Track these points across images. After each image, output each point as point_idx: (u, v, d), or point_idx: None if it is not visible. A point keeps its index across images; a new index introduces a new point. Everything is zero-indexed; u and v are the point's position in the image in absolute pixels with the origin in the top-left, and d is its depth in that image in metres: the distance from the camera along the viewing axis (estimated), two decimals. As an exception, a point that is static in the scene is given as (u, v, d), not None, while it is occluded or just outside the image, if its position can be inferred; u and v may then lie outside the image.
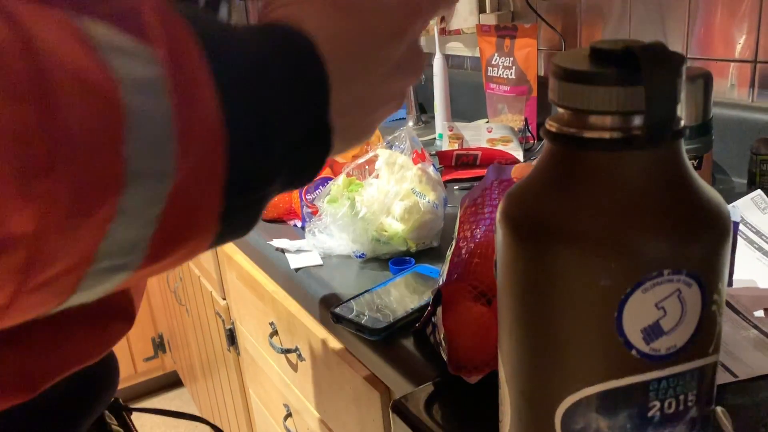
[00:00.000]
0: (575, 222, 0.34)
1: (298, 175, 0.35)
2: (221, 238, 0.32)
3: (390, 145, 0.96)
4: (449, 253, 0.63)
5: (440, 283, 0.61)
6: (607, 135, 0.33)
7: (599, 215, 0.34)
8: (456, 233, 0.62)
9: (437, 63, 1.43)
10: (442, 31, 1.53)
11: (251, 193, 0.31)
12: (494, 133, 1.28)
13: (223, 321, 1.40)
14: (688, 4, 1.10)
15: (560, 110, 0.35)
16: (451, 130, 1.33)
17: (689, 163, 0.35)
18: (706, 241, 0.34)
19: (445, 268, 0.62)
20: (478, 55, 1.54)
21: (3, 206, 0.22)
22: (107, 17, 0.26)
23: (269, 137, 0.31)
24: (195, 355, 1.92)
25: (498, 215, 0.39)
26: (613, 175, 0.34)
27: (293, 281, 0.90)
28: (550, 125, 0.36)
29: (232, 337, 1.38)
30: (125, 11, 0.27)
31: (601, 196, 0.34)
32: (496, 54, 1.40)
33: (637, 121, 0.33)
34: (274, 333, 1.06)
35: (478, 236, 0.64)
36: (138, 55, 0.26)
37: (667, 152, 0.34)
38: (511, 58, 1.35)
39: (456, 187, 1.16)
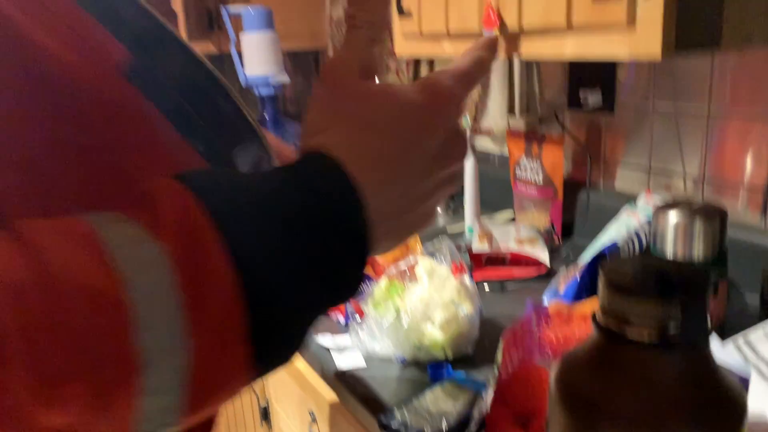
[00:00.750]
0: (617, 404, 0.42)
1: (340, 295, 0.36)
2: (261, 374, 0.33)
3: (431, 254, 1.05)
4: (492, 379, 0.71)
5: (484, 408, 0.69)
6: (645, 338, 0.42)
7: (637, 401, 0.42)
8: (498, 361, 0.70)
9: (469, 164, 1.53)
10: (474, 130, 1.64)
11: (284, 334, 0.33)
12: (522, 233, 1.37)
13: (257, 397, 1.46)
14: (705, 127, 1.20)
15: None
16: (481, 227, 1.41)
17: (715, 359, 0.43)
18: (728, 427, 0.42)
19: (489, 393, 0.69)
20: (506, 153, 1.64)
21: (30, 417, 0.26)
22: (123, 208, 0.31)
23: (298, 281, 0.32)
24: (224, 428, 1.98)
25: (552, 378, 0.47)
26: (650, 369, 0.42)
27: (337, 378, 0.98)
28: (599, 317, 0.44)
29: (266, 414, 1.44)
30: (141, 199, 0.31)
31: (640, 385, 0.42)
32: (525, 157, 1.50)
33: (673, 328, 0.41)
34: (313, 422, 1.13)
35: (519, 365, 0.72)
36: (148, 250, 0.29)
37: (698, 353, 0.42)
38: (539, 163, 1.45)
39: (487, 287, 1.24)
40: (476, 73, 0.44)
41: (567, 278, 0.99)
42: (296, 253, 0.32)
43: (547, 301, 0.99)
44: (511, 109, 1.62)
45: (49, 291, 0.26)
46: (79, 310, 0.27)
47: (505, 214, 1.65)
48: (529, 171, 1.48)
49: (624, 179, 1.40)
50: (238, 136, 0.44)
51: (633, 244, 1.02)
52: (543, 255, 1.32)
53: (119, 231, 0.29)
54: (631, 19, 0.86)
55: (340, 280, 0.35)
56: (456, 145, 0.41)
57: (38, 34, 0.33)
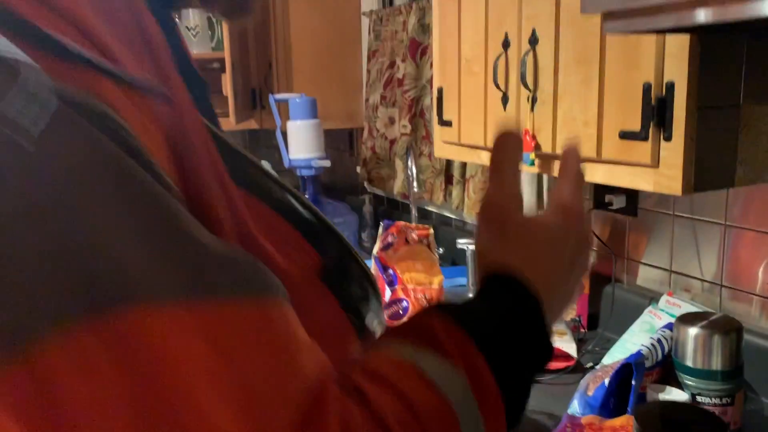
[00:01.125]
0: None
1: (537, 377, 0.48)
2: None
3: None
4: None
5: None
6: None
7: None
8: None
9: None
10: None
11: (520, 413, 0.46)
12: (551, 325, 1.47)
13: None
14: (722, 235, 1.31)
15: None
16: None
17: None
18: None
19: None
20: (534, 242, 1.76)
21: None
22: (418, 341, 0.42)
23: (524, 374, 0.45)
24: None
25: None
26: None
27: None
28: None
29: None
30: (421, 332, 0.42)
31: None
32: (553, 251, 1.61)
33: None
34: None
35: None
36: (451, 372, 0.40)
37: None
38: (567, 259, 1.56)
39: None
40: (581, 183, 0.57)
41: (595, 382, 1.09)
42: (522, 356, 0.45)
43: (576, 403, 1.08)
44: (540, 207, 1.74)
45: (423, 416, 0.37)
46: (438, 423, 0.38)
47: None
48: (557, 265, 1.59)
49: (646, 277, 1.50)
50: (378, 304, 0.56)
51: (656, 352, 1.12)
52: (571, 348, 1.42)
53: (429, 361, 0.40)
54: (655, 161, 0.99)
55: (544, 366, 0.48)
56: (585, 244, 0.56)
57: (262, 239, 0.43)
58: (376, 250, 1.54)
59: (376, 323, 0.52)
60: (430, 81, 2.12)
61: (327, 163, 2.15)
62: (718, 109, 0.97)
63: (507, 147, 0.55)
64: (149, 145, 0.33)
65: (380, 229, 1.63)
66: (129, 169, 0.32)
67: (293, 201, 0.50)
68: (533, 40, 1.18)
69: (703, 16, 0.71)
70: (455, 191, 1.99)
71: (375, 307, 0.52)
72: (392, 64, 2.34)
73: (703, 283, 1.36)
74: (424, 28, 2.12)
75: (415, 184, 2.05)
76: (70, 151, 0.30)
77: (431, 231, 1.63)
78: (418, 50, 2.16)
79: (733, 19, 0.69)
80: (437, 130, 1.53)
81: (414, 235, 1.55)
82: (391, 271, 1.49)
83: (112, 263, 0.30)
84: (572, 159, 0.58)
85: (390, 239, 1.56)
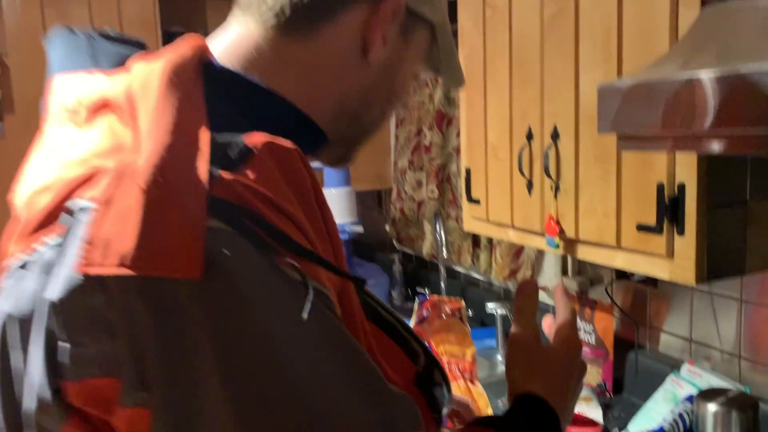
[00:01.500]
0: None
1: None
2: None
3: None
4: None
5: None
6: None
7: None
8: None
9: (528, 321, 1.73)
10: (531, 287, 1.85)
11: None
12: (578, 391, 1.55)
13: None
14: (739, 309, 1.39)
15: None
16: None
17: None
18: None
19: None
20: (560, 307, 1.84)
21: None
22: None
23: None
24: None
25: None
26: None
27: None
28: None
29: None
30: None
31: None
32: (578, 318, 1.70)
33: None
34: None
35: None
36: None
37: None
38: (592, 326, 1.65)
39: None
40: (575, 320, 0.75)
41: (622, 455, 1.17)
42: None
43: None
44: (564, 271, 1.83)
45: None
46: None
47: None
48: (582, 332, 1.68)
49: (668, 344, 1.58)
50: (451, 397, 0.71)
51: (677, 427, 1.20)
52: (597, 414, 1.50)
53: None
54: (670, 253, 1.08)
55: None
56: (584, 370, 0.73)
57: (379, 357, 0.57)
58: (412, 324, 1.64)
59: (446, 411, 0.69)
60: (456, 149, 2.24)
61: (360, 229, 2.27)
62: (727, 206, 1.07)
63: (526, 293, 0.75)
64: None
65: (415, 305, 1.73)
66: (345, 335, 0.48)
67: (389, 317, 0.63)
68: (555, 135, 1.29)
69: (715, 147, 0.81)
70: (483, 255, 2.09)
71: (448, 402, 0.67)
72: (419, 132, 2.47)
73: (722, 353, 1.44)
74: (450, 101, 2.25)
75: (444, 250, 2.16)
76: (319, 325, 0.46)
77: (463, 304, 1.73)
78: (444, 120, 2.28)
79: (741, 154, 0.80)
80: (466, 205, 1.64)
81: (447, 309, 1.65)
82: (426, 345, 1.58)
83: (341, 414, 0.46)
84: (563, 301, 0.77)
85: (425, 313, 1.66)
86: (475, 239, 2.18)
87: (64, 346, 0.44)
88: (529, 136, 1.36)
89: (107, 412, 0.45)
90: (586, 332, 1.67)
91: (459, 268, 2.40)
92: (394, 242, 2.68)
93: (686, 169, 1.05)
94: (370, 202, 3.01)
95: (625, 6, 1.12)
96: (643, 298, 1.62)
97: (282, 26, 0.58)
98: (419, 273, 2.66)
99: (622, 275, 1.62)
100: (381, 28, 0.59)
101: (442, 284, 2.30)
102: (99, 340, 0.43)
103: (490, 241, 2.07)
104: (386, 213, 2.85)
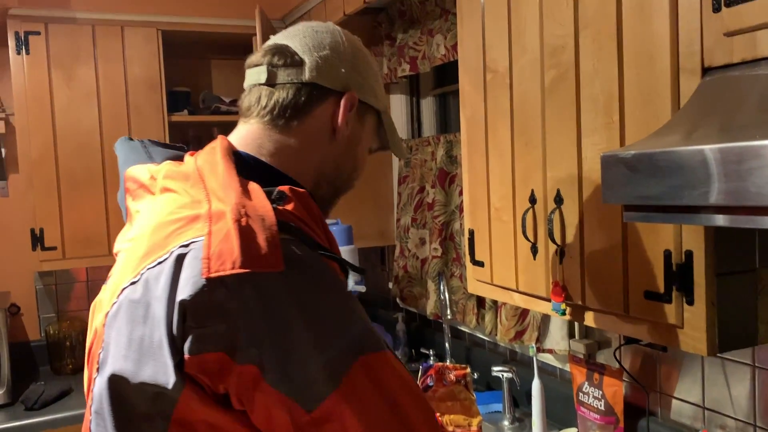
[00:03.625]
0: None
1: None
2: None
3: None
4: None
5: None
6: None
7: None
8: None
9: (535, 385, 1.69)
10: (538, 350, 1.81)
11: None
12: (588, 461, 1.49)
13: None
14: (752, 376, 1.35)
15: None
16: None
17: None
18: None
19: None
20: (568, 369, 1.80)
21: None
22: None
23: None
24: None
25: None
26: None
27: None
28: None
29: None
30: None
31: None
32: (587, 383, 1.65)
33: None
34: None
35: None
36: None
37: None
38: (600, 392, 1.60)
39: None
40: None
41: None
42: None
43: None
44: (571, 334, 1.79)
45: None
46: None
47: None
48: (591, 397, 1.63)
49: (680, 411, 1.53)
50: None
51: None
52: (609, 486, 1.44)
53: None
54: (680, 322, 1.05)
55: None
56: None
57: None
58: (415, 392, 1.60)
59: None
60: (460, 207, 2.23)
61: (362, 289, 2.23)
62: (735, 274, 1.04)
63: None
64: None
65: (419, 372, 1.69)
66: (351, 295, 0.74)
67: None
68: (558, 200, 1.27)
69: (721, 221, 0.80)
70: (488, 316, 2.05)
71: None
72: (422, 189, 2.47)
73: (736, 421, 1.39)
74: (452, 159, 2.25)
75: (448, 311, 2.12)
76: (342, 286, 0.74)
77: (468, 371, 1.69)
78: (447, 179, 2.28)
79: (745, 227, 0.78)
80: (470, 268, 1.62)
81: (452, 376, 1.61)
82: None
83: (370, 331, 0.72)
84: None
85: (429, 381, 1.62)
86: (480, 299, 2.15)
87: (191, 330, 0.65)
88: (533, 200, 1.35)
89: (214, 379, 0.66)
90: (594, 398, 1.62)
91: (464, 328, 2.36)
92: (398, 300, 2.65)
93: (693, 236, 1.03)
94: (374, 260, 2.99)
95: (626, 72, 1.12)
96: (652, 362, 1.58)
97: (274, 121, 0.88)
98: (423, 332, 2.62)
99: (630, 339, 1.58)
100: (344, 115, 0.89)
101: (447, 345, 2.26)
102: (217, 322, 0.65)
103: (495, 301, 2.04)
104: (389, 271, 2.82)
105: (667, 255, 1.06)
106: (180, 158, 0.87)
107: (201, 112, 2.93)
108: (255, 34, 2.46)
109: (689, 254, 1.04)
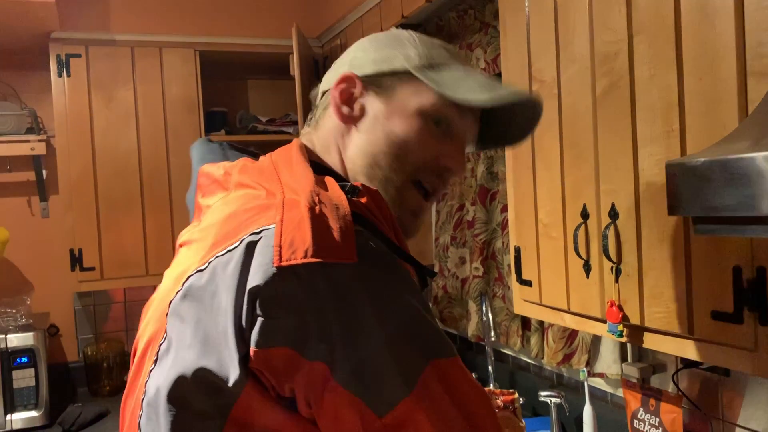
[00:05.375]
0: None
1: None
2: None
3: None
4: None
5: None
6: None
7: None
8: None
9: (587, 412, 1.61)
10: (588, 374, 1.73)
11: None
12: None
13: None
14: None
15: None
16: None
17: None
18: None
19: None
20: (621, 394, 1.71)
21: None
22: None
23: None
24: None
25: None
26: None
27: None
28: None
29: None
30: None
31: None
32: (642, 409, 1.56)
33: None
34: None
35: None
36: None
37: None
38: (658, 419, 1.51)
39: None
40: None
41: None
42: None
43: None
44: (623, 357, 1.71)
45: None
46: None
47: (623, 457, 1.68)
48: (647, 425, 1.54)
49: (746, 440, 1.43)
50: None
51: None
52: None
53: None
54: (752, 345, 0.97)
55: None
56: None
57: None
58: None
59: None
60: (501, 224, 2.16)
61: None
62: (814, 292, 0.96)
63: None
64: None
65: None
66: (424, 298, 0.69)
67: None
68: (613, 214, 1.21)
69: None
70: (534, 338, 1.97)
71: None
72: (461, 207, 2.41)
73: (810, 452, 1.29)
74: (493, 175, 2.19)
75: (492, 333, 2.05)
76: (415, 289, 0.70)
77: (516, 395, 1.61)
78: (488, 196, 2.22)
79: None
80: (516, 287, 1.55)
81: (499, 402, 1.54)
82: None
83: (442, 336, 0.67)
84: None
85: (476, 406, 1.55)
86: (525, 320, 2.07)
87: (259, 320, 0.62)
88: (585, 215, 1.28)
89: (280, 378, 0.62)
90: (651, 425, 1.53)
91: (507, 351, 2.27)
92: (438, 322, 2.58)
93: (766, 250, 0.95)
94: (412, 280, 2.92)
95: (686, 78, 1.05)
96: (713, 388, 1.49)
97: (310, 126, 0.90)
98: (465, 355, 2.54)
99: (688, 363, 1.49)
100: (338, 98, 0.84)
101: (490, 368, 2.18)
102: (287, 315, 0.62)
103: (541, 322, 1.96)
104: (428, 291, 2.75)
105: (737, 271, 0.98)
106: (256, 159, 0.85)
107: (238, 132, 2.93)
108: (291, 53, 2.45)
109: (761, 270, 0.96)
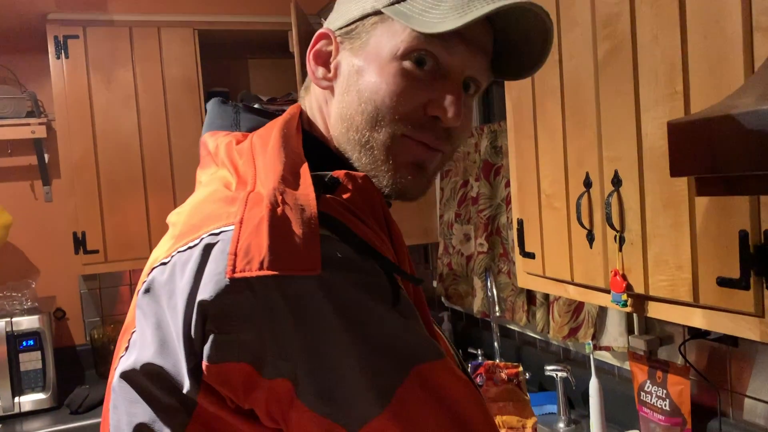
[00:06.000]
0: None
1: None
2: None
3: None
4: None
5: None
6: None
7: None
8: None
9: (593, 385, 1.59)
10: (594, 347, 1.70)
11: None
12: (653, 466, 1.38)
13: None
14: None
15: None
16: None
17: None
18: None
19: None
20: (627, 367, 1.69)
21: None
22: None
23: None
24: None
25: None
26: None
27: None
28: None
29: None
30: None
31: None
32: (649, 381, 1.54)
33: None
34: None
35: None
36: None
37: None
38: (665, 391, 1.49)
39: None
40: None
41: None
42: None
43: None
44: (630, 329, 1.68)
45: None
46: None
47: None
48: (654, 397, 1.52)
49: (754, 412, 1.41)
50: None
51: None
52: (678, 493, 1.33)
53: None
54: (759, 310, 0.95)
55: None
56: None
57: None
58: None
59: None
60: (505, 199, 2.13)
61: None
62: (823, 255, 0.93)
63: None
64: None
65: (468, 370, 1.60)
66: (407, 298, 0.62)
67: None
68: (616, 182, 1.17)
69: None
70: (539, 313, 1.95)
71: None
72: (465, 183, 2.38)
73: (821, 422, 1.26)
74: (497, 150, 2.16)
75: (497, 308, 2.03)
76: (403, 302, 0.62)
77: (521, 369, 1.59)
78: (492, 171, 2.19)
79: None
80: (519, 260, 1.52)
81: (503, 375, 1.52)
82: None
83: (426, 340, 0.61)
84: None
85: (479, 380, 1.53)
86: (530, 295, 2.05)
87: (212, 335, 0.57)
88: (588, 184, 1.25)
89: (238, 394, 0.58)
90: (658, 397, 1.51)
91: (513, 327, 2.25)
92: (443, 299, 2.56)
93: (773, 215, 0.92)
94: (417, 258, 2.90)
95: (690, 37, 1.02)
96: (722, 358, 1.46)
97: (303, 91, 0.81)
98: (470, 332, 2.53)
99: (696, 333, 1.47)
100: (312, 56, 0.75)
101: (496, 344, 2.16)
102: (242, 330, 0.57)
103: (546, 297, 1.94)
104: (433, 268, 2.73)
105: (743, 236, 0.95)
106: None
107: (239, 112, 2.90)
108: (290, 30, 2.41)
109: (769, 234, 0.93)
